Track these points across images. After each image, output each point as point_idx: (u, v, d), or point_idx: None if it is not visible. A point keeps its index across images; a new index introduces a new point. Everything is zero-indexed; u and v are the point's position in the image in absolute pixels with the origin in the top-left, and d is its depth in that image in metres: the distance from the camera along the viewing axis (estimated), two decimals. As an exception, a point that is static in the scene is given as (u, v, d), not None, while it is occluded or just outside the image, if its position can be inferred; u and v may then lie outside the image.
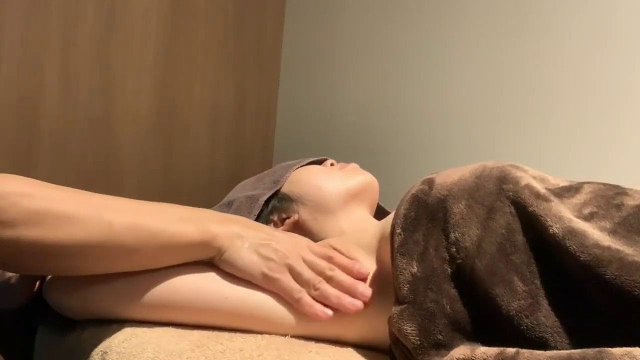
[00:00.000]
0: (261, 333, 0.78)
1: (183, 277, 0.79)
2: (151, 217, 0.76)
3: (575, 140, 1.55)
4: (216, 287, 0.79)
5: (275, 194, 1.03)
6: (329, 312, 0.77)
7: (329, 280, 0.79)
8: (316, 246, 0.84)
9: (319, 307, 0.77)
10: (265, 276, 0.78)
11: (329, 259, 0.82)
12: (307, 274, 0.79)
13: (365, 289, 0.79)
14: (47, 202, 0.71)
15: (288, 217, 1.01)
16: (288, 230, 0.99)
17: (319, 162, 1.12)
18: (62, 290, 0.82)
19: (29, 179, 0.74)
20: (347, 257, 0.83)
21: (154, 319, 0.79)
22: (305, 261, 0.80)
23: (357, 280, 0.80)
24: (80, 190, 0.76)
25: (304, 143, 2.06)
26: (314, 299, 0.78)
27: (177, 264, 0.79)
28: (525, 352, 0.60)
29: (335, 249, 0.85)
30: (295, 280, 0.78)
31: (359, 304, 0.78)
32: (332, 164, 1.10)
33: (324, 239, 0.95)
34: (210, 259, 0.80)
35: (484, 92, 1.69)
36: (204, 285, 0.78)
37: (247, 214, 1.01)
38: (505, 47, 1.66)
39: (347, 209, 0.99)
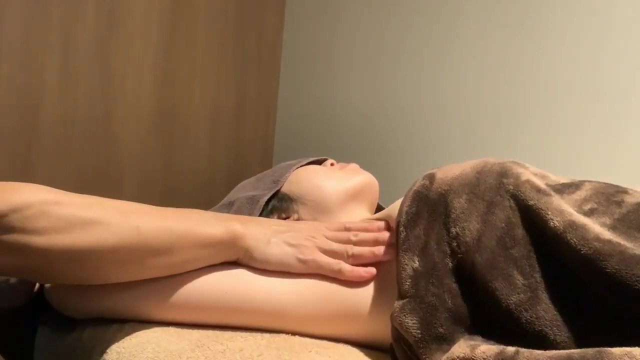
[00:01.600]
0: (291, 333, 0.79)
1: (205, 276, 0.79)
2: (177, 220, 0.77)
3: (576, 140, 1.55)
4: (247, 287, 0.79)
5: (276, 194, 1.03)
6: (372, 270, 0.79)
7: (357, 244, 0.82)
8: (332, 224, 0.87)
9: (361, 270, 0.79)
10: (301, 261, 0.80)
11: (347, 230, 0.84)
12: (337, 247, 0.82)
13: (390, 237, 0.81)
14: (76, 209, 0.72)
15: (288, 217, 1.01)
16: None
17: (319, 162, 1.12)
18: (65, 289, 0.82)
19: (52, 188, 0.75)
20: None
21: (165, 319, 0.79)
22: (329, 238, 0.83)
23: (379, 233, 0.82)
24: (104, 198, 0.77)
25: (304, 143, 2.06)
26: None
27: (205, 266, 0.79)
28: (525, 351, 0.60)
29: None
30: (329, 256, 0.81)
31: (392, 252, 0.79)
32: (332, 164, 1.10)
33: None
34: (237, 260, 0.81)
35: (484, 92, 1.69)
36: (231, 284, 0.79)
37: (248, 215, 1.01)
38: (506, 47, 1.66)
39: (346, 209, 0.99)
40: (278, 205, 1.02)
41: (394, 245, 0.78)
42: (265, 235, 0.81)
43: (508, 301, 0.64)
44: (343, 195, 0.99)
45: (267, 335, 0.77)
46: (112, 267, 0.75)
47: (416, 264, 0.71)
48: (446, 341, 0.66)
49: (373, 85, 1.91)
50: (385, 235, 0.82)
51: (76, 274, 0.75)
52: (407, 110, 1.83)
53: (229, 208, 1.05)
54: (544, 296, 0.63)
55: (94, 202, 0.75)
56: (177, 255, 0.76)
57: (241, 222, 0.81)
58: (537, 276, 0.65)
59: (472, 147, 1.69)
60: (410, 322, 0.68)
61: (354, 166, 1.07)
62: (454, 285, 0.68)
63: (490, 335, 0.65)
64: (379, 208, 1.09)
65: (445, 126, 1.75)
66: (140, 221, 0.74)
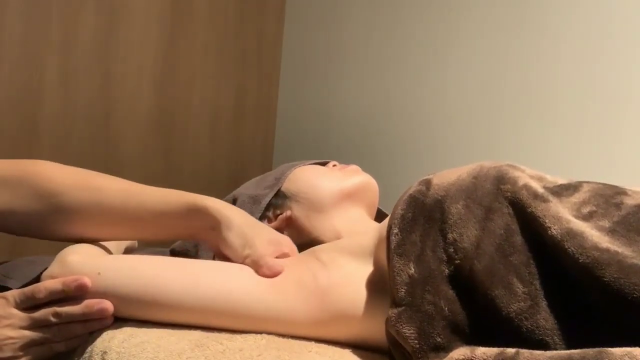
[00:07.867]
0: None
1: (209, 276, 0.79)
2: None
3: (577, 140, 1.55)
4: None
5: (277, 193, 1.03)
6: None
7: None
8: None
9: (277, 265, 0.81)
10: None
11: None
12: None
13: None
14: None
15: (281, 214, 1.00)
16: (281, 227, 0.99)
17: (323, 164, 1.11)
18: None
19: None
20: (324, 263, 0.81)
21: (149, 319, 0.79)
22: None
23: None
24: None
25: (303, 143, 2.06)
26: None
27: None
28: (525, 352, 0.60)
29: (319, 258, 0.82)
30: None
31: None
32: (334, 165, 1.10)
33: (316, 237, 0.95)
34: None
35: (485, 93, 1.69)
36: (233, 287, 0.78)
37: (249, 213, 1.01)
38: (507, 48, 1.66)
39: (340, 208, 0.98)
40: (274, 201, 1.02)
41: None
42: None
43: (508, 309, 0.63)
44: (337, 195, 0.98)
45: (267, 335, 0.77)
46: None
47: (412, 271, 0.69)
48: (444, 350, 0.65)
49: (373, 86, 1.91)
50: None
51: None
52: (408, 111, 1.83)
53: (232, 204, 1.05)
54: (544, 304, 0.63)
55: None
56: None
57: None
58: (537, 284, 0.64)
59: (473, 149, 1.69)
60: (408, 332, 0.67)
61: (354, 167, 1.06)
62: (451, 292, 0.67)
63: (489, 343, 0.64)
64: (379, 212, 1.08)
65: (446, 127, 1.75)
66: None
